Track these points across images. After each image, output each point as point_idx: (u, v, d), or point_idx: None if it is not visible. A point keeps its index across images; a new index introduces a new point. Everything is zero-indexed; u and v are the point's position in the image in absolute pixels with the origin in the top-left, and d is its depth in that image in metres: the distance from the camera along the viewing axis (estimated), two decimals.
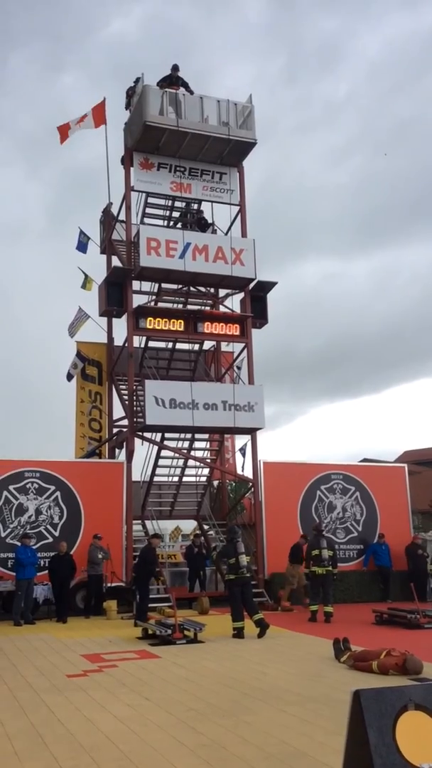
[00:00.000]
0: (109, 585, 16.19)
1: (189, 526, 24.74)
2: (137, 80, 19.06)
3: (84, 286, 20.61)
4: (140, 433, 18.24)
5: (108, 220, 20.96)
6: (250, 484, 19.26)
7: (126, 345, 18.83)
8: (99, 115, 20.35)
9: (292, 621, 14.30)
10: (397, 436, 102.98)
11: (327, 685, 8.17)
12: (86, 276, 20.72)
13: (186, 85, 19.24)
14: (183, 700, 7.47)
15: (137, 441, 18.32)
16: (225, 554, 12.87)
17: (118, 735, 6.17)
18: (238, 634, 12.04)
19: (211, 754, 5.58)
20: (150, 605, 14.65)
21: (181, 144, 18.57)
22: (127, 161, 19.21)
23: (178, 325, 18.48)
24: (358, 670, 8.96)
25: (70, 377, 20.64)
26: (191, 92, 19.17)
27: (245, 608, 12.34)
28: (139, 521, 18.66)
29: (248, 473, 19.34)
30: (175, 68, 19.13)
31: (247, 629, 12.19)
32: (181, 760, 5.42)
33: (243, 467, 20.67)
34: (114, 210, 20.73)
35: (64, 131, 20.16)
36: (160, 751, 5.67)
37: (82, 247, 20.80)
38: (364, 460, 37.70)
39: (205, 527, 20.22)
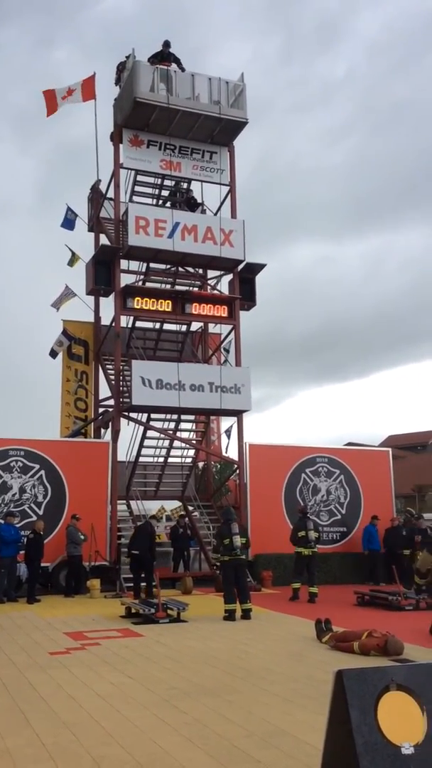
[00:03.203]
0: (92, 564, 16.21)
1: (170, 506, 24.79)
2: (128, 56, 18.77)
3: (71, 264, 20.43)
4: (126, 414, 18.20)
5: (96, 197, 20.72)
6: (236, 466, 19.30)
7: (113, 324, 18.72)
8: (88, 89, 20.05)
9: (275, 601, 14.40)
10: (383, 420, 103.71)
11: (309, 665, 8.23)
12: (73, 253, 20.53)
13: (178, 62, 18.98)
14: (165, 679, 7.51)
15: (123, 421, 18.28)
16: (220, 535, 12.86)
17: (100, 712, 6.19)
18: (229, 616, 11.97)
19: (193, 732, 5.61)
20: (134, 585, 14.75)
21: (172, 121, 18.34)
22: (116, 138, 18.97)
23: (165, 306, 18.37)
24: (339, 650, 9.04)
25: (54, 354, 20.48)
26: (183, 69, 18.91)
27: (238, 593, 12.24)
28: (124, 501, 18.67)
29: (234, 455, 19.38)
30: (167, 44, 18.85)
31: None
32: (163, 738, 5.44)
33: (228, 449, 20.71)
34: (102, 187, 20.49)
35: (50, 99, 19.78)
36: (142, 729, 5.70)
37: (68, 224, 20.56)
38: (349, 444, 37.92)
39: (190, 508, 20.26)
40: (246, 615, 12.07)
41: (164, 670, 8.00)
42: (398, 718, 3.63)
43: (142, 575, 14.80)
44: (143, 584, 14.78)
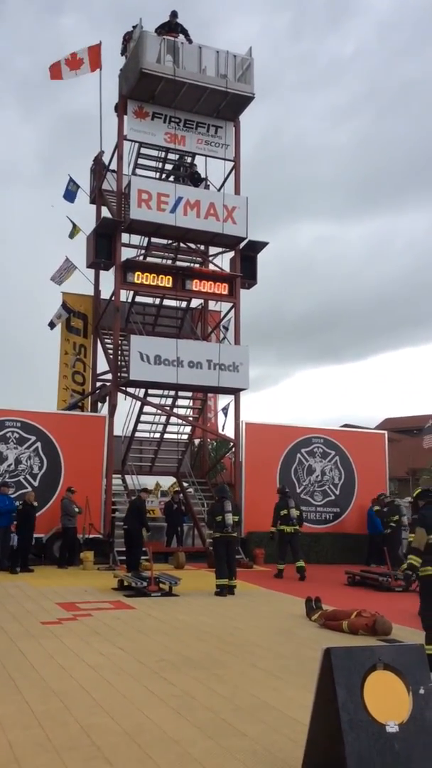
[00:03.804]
0: (86, 537, 16.31)
1: (166, 482, 24.91)
2: (135, 26, 18.47)
3: (71, 236, 20.29)
4: (123, 388, 18.20)
5: (99, 168, 20.52)
6: (232, 444, 19.35)
7: (113, 298, 18.64)
8: (94, 58, 19.75)
9: (266, 579, 14.52)
10: (379, 403, 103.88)
11: (297, 642, 8.32)
12: (74, 225, 20.39)
13: (185, 33, 18.68)
14: (155, 651, 7.59)
15: (120, 396, 18.28)
16: (212, 512, 12.98)
17: (90, 682, 6.26)
18: (221, 591, 12.11)
19: (181, 704, 5.68)
20: (126, 559, 14.83)
21: (177, 94, 18.11)
22: (121, 109, 18.72)
23: (166, 281, 18.28)
24: (328, 628, 9.13)
25: (52, 326, 20.40)
26: (190, 41, 18.62)
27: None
28: (119, 475, 18.74)
29: (230, 433, 19.44)
30: (174, 15, 18.54)
31: (211, 585, 12.38)
32: (151, 709, 5.51)
33: (225, 427, 20.76)
34: (105, 159, 20.29)
35: (55, 67, 19.51)
36: (131, 699, 5.77)
37: (69, 195, 20.38)
38: (346, 425, 37.96)
39: (185, 485, 20.35)
40: (230, 591, 12.19)
41: (154, 642, 8.08)
42: (384, 697, 3.67)
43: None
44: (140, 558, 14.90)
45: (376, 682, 3.71)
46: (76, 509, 15.94)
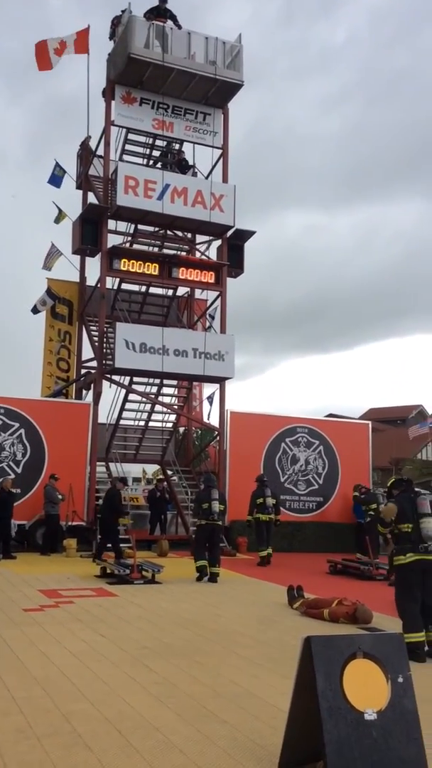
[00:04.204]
0: (69, 524, 16.30)
1: (151, 470, 24.93)
2: (124, 10, 18.27)
3: (57, 221, 20.12)
4: (109, 376, 18.14)
5: (86, 154, 20.34)
6: (216, 432, 19.38)
7: (98, 285, 18.54)
8: (82, 42, 19.53)
9: (249, 567, 14.60)
10: (364, 393, 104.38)
11: (279, 630, 8.38)
12: (60, 211, 20.22)
13: (174, 18, 18.52)
14: (137, 638, 7.61)
15: (105, 383, 18.22)
16: (199, 500, 13.10)
17: (71, 669, 6.27)
18: (201, 574, 12.26)
19: (162, 691, 5.71)
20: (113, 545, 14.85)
21: (166, 80, 17.96)
22: (108, 94, 18.55)
23: (152, 269, 18.21)
24: (309, 617, 9.20)
25: (35, 311, 20.24)
26: (179, 26, 18.47)
27: (209, 556, 12.46)
28: (103, 463, 18.71)
29: (215, 422, 19.44)
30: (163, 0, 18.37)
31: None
32: (132, 696, 5.54)
33: (210, 415, 20.76)
34: (92, 144, 20.11)
35: (42, 51, 19.24)
36: (112, 686, 5.79)
37: (55, 180, 20.17)
38: (330, 415, 38.18)
39: (169, 473, 20.37)
40: (213, 578, 12.26)
41: (136, 629, 8.11)
42: (363, 685, 3.71)
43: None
44: (122, 546, 14.91)
45: (355, 671, 3.75)
46: (59, 496, 15.91)
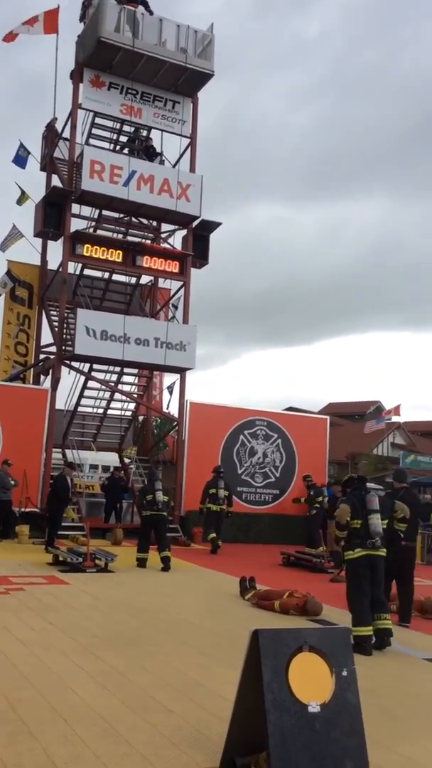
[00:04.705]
0: (22, 510, 16.12)
1: (108, 458, 24.76)
2: None
3: (19, 202, 19.78)
4: (68, 362, 17.96)
5: (51, 136, 20.01)
6: (175, 422, 19.37)
7: (60, 270, 18.30)
8: (51, 21, 19.15)
9: (203, 557, 14.66)
10: (324, 387, 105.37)
11: (229, 621, 8.44)
12: (23, 192, 19.88)
13: (146, 4, 18.32)
14: (87, 627, 7.58)
15: (64, 369, 18.05)
16: (143, 492, 13.36)
17: (19, 657, 6.22)
18: (141, 563, 12.54)
19: (110, 680, 5.71)
20: (63, 533, 14.73)
21: (136, 66, 17.76)
22: (76, 76, 18.26)
23: (116, 256, 18.05)
24: (260, 608, 9.29)
25: None
26: (150, 12, 18.27)
27: (157, 543, 12.63)
28: (60, 450, 18.54)
29: (174, 412, 19.43)
30: None
31: (152, 561, 12.54)
32: (80, 685, 5.52)
33: (169, 405, 20.74)
34: (59, 127, 19.78)
35: (9, 34, 18.92)
36: (60, 675, 5.76)
37: (20, 161, 19.81)
38: (290, 408, 38.40)
39: (126, 461, 20.30)
40: (165, 563, 12.35)
41: (87, 618, 8.08)
42: (308, 678, 3.76)
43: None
44: (75, 533, 14.84)
45: (301, 664, 3.80)
46: (12, 482, 15.71)
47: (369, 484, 7.88)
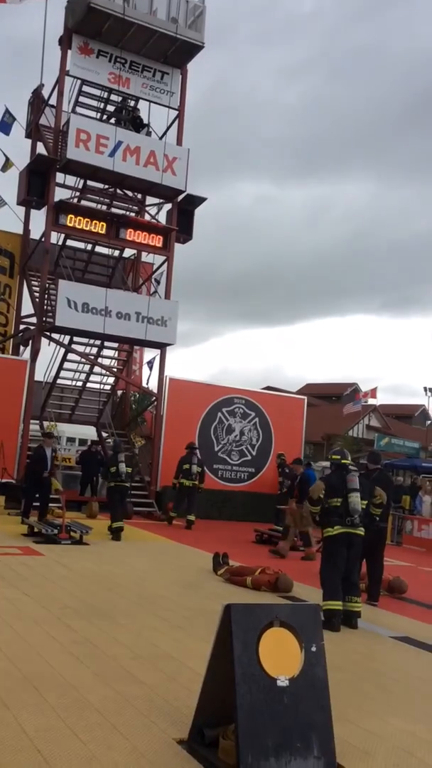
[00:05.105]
0: None
1: (85, 431, 24.72)
2: None
3: (3, 169, 19.45)
4: (48, 333, 17.83)
5: (37, 102, 19.65)
6: (154, 398, 19.36)
7: (42, 240, 18.09)
8: None
9: (177, 532, 14.77)
10: (303, 368, 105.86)
11: (202, 596, 8.54)
12: (7, 159, 19.55)
13: None
14: (61, 598, 7.63)
15: (44, 341, 17.92)
16: (107, 464, 14.06)
17: None
18: (116, 533, 12.82)
19: (82, 651, 5.76)
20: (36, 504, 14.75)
21: (126, 34, 17.44)
22: (65, 42, 17.89)
23: (99, 228, 17.85)
24: (232, 584, 9.40)
25: None
26: None
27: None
28: (38, 422, 18.47)
29: (153, 387, 19.42)
30: None
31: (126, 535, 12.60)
32: (52, 655, 5.57)
33: (149, 381, 20.72)
34: (45, 93, 19.41)
35: None
36: (32, 645, 5.80)
37: (4, 127, 19.45)
38: (268, 387, 38.58)
39: (104, 434, 20.28)
40: (116, 530, 12.89)
41: (60, 589, 8.12)
42: (277, 653, 3.83)
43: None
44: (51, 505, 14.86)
45: (271, 639, 3.86)
46: None
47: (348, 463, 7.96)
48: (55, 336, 18.09)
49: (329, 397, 60.90)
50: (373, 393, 38.19)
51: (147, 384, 20.66)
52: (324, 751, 3.78)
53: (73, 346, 18.62)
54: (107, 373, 20.04)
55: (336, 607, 7.40)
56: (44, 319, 17.65)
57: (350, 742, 4.35)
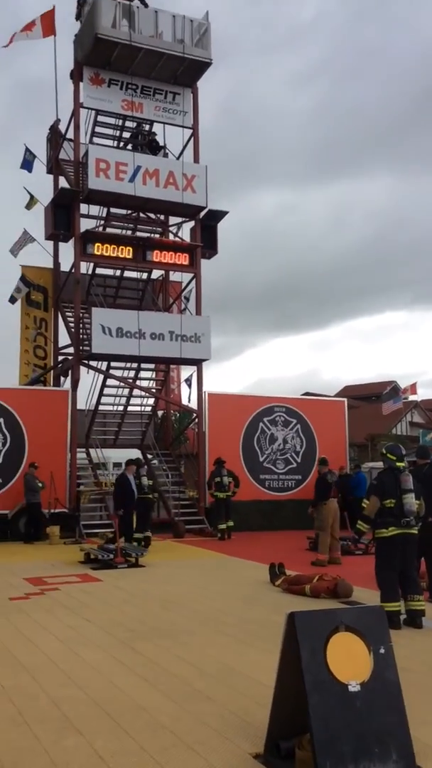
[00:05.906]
0: (52, 511, 16.29)
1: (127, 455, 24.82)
2: None
3: (29, 207, 19.88)
4: (86, 362, 18.07)
5: (55, 137, 20.08)
6: (195, 414, 19.43)
7: (72, 271, 18.39)
8: (48, 24, 19.18)
9: (229, 547, 14.73)
10: (339, 371, 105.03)
11: (262, 608, 8.50)
12: (32, 196, 19.97)
13: None
14: (123, 622, 7.68)
15: (83, 369, 18.17)
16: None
17: (58, 655, 6.32)
18: (139, 543, 13.56)
19: (149, 672, 5.78)
20: (93, 531, 15.00)
21: (134, 60, 17.74)
22: (76, 76, 18.29)
23: (126, 253, 18.09)
24: (291, 593, 9.33)
25: (13, 300, 20.07)
26: (146, 4, 18.26)
27: (137, 523, 14.08)
28: (83, 449, 18.69)
29: (193, 404, 19.49)
30: None
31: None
32: (120, 678, 5.60)
33: (189, 398, 20.81)
34: (62, 128, 19.85)
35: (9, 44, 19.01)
36: (99, 670, 5.85)
37: (27, 165, 19.93)
38: (306, 393, 38.35)
39: (149, 456, 20.40)
40: (146, 542, 13.80)
41: (121, 613, 8.17)
42: (346, 658, 3.80)
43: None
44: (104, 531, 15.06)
45: (338, 644, 3.83)
46: (39, 484, 15.89)
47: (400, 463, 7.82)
48: (93, 363, 18.32)
49: (369, 398, 60.16)
50: (413, 389, 37.58)
51: (187, 402, 20.76)
52: (403, 755, 3.72)
53: (111, 372, 18.82)
54: (146, 394, 20.20)
55: (394, 608, 7.31)
56: (81, 348, 17.91)
57: (430, 744, 4.27)
